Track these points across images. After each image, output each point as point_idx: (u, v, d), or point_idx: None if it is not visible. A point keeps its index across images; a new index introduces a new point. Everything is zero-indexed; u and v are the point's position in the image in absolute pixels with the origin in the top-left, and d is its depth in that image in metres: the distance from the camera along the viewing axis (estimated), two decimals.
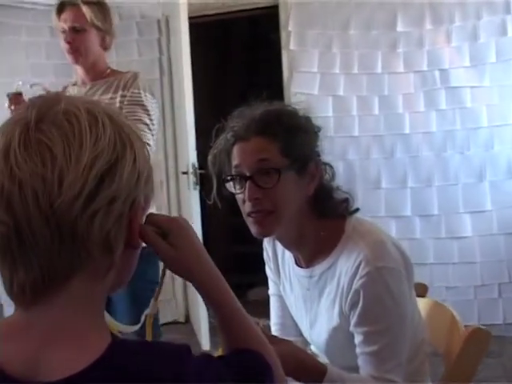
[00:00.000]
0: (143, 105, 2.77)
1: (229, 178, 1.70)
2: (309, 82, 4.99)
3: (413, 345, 1.71)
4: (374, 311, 1.61)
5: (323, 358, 1.79)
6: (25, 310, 0.89)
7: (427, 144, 4.82)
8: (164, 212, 5.15)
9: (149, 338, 1.14)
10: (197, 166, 4.46)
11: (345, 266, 1.65)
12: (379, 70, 4.88)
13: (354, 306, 1.62)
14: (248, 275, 5.23)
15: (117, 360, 0.86)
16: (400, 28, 4.83)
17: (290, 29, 5.03)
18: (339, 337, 1.70)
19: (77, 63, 2.88)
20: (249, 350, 1.03)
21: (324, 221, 1.72)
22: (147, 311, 1.14)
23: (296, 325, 1.89)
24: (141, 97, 2.78)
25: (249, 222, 1.69)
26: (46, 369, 0.85)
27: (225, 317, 1.07)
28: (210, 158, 1.78)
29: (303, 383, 1.58)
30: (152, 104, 2.81)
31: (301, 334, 1.88)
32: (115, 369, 0.85)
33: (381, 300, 1.60)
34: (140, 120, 2.73)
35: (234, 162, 1.68)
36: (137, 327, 1.16)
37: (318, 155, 1.74)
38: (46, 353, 0.86)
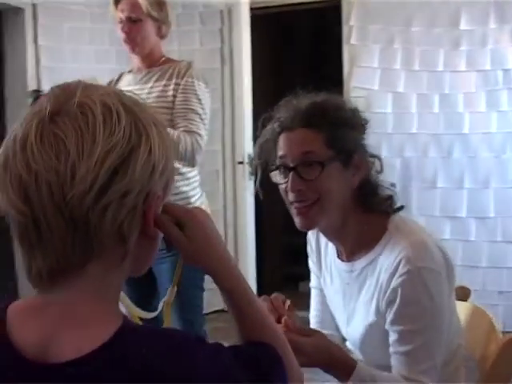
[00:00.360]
0: (196, 94, 2.80)
1: (273, 167, 1.71)
2: (369, 77, 4.96)
3: (449, 349, 1.69)
4: (410, 310, 1.59)
5: (358, 355, 1.78)
6: (43, 292, 0.92)
7: (486, 145, 4.72)
8: (219, 201, 5.20)
9: (167, 325, 1.14)
10: (253, 156, 4.46)
11: (385, 263, 1.64)
12: (441, 68, 4.81)
13: (390, 303, 1.61)
14: (300, 267, 5.21)
15: (119, 347, 0.87)
16: (463, 26, 4.73)
17: (351, 23, 5.00)
18: (375, 334, 1.69)
19: (133, 52, 2.94)
20: (262, 342, 1.03)
21: (367, 216, 1.71)
22: (165, 298, 1.14)
23: (334, 320, 1.89)
24: (194, 85, 2.81)
25: (293, 213, 1.70)
26: (55, 350, 0.88)
27: (238, 308, 1.07)
28: (256, 147, 1.80)
29: (332, 376, 1.58)
30: (205, 93, 2.85)
31: (338, 330, 1.88)
32: (115, 356, 0.86)
33: (418, 300, 1.59)
34: (193, 110, 2.77)
35: (280, 152, 1.69)
36: (155, 314, 1.16)
37: (364, 148, 1.73)
38: (58, 334, 0.88)
